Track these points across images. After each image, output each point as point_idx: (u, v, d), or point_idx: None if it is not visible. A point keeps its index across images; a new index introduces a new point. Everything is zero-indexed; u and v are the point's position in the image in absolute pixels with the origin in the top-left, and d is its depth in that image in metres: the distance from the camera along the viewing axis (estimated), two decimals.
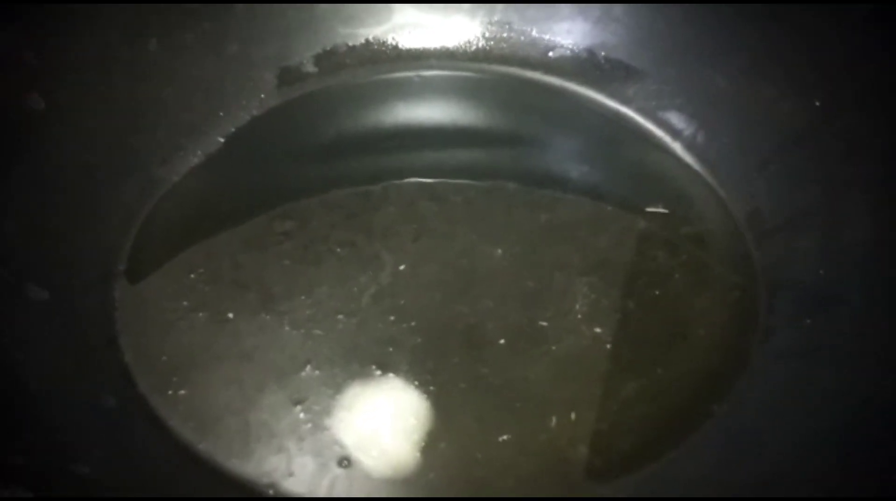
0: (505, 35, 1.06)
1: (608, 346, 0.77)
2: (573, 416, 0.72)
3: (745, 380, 0.75)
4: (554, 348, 0.77)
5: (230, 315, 0.78)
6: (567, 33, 1.04)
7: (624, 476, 0.69)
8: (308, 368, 0.74)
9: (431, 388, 0.73)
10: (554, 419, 0.72)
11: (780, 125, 0.89)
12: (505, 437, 0.71)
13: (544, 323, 0.79)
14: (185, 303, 0.79)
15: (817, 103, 0.86)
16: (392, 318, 0.78)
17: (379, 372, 0.74)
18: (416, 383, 0.73)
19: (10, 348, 0.67)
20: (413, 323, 0.78)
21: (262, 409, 0.72)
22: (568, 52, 1.04)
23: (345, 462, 0.69)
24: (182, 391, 0.73)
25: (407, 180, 0.91)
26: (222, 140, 0.94)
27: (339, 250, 0.84)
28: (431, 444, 0.70)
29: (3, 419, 0.62)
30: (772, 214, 0.87)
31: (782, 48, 0.89)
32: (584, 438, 0.71)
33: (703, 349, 0.78)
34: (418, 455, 0.69)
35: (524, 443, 0.70)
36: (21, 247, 0.74)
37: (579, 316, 0.79)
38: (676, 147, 0.96)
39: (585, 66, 1.03)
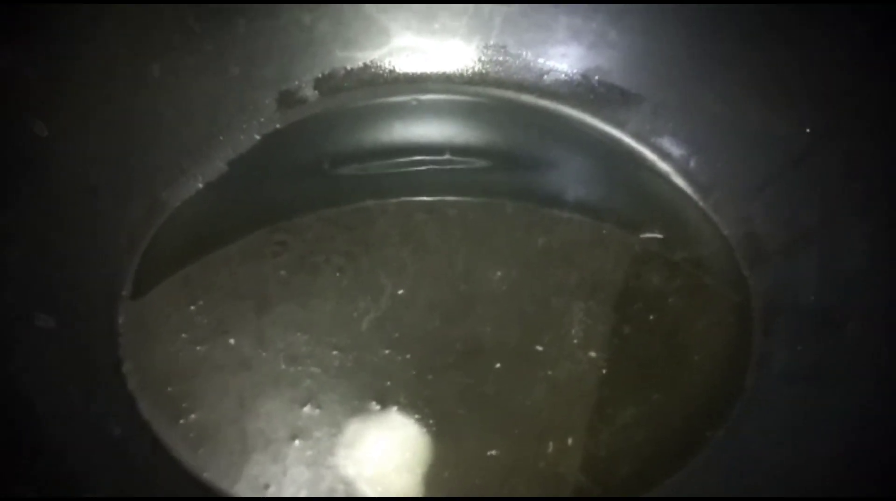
0: (500, 59, 1.08)
1: (604, 371, 0.78)
2: (570, 441, 0.73)
3: (742, 405, 0.76)
4: (550, 372, 0.78)
5: (231, 341, 0.79)
6: (562, 57, 1.06)
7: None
8: (308, 407, 0.75)
9: (430, 420, 0.74)
10: (551, 445, 0.73)
11: (776, 149, 0.90)
12: (504, 463, 0.72)
13: (540, 348, 0.80)
14: (189, 329, 0.79)
15: (811, 128, 0.87)
16: (389, 346, 0.79)
17: (378, 407, 0.75)
18: (416, 414, 0.74)
19: (19, 377, 0.67)
20: (409, 352, 0.78)
21: (267, 440, 0.72)
22: (563, 76, 1.06)
23: (342, 490, 0.70)
24: (187, 420, 0.73)
25: (404, 203, 0.92)
26: (223, 163, 0.94)
27: (338, 274, 0.85)
28: (432, 473, 0.71)
29: (12, 449, 0.62)
30: (768, 238, 0.88)
31: (777, 72, 0.91)
32: (583, 465, 0.72)
33: (700, 374, 0.79)
34: (420, 485, 0.70)
35: (523, 470, 0.71)
36: (27, 274, 0.75)
37: (575, 340, 0.81)
38: (671, 171, 0.97)
39: (580, 90, 1.04)
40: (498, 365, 0.78)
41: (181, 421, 0.73)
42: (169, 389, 0.75)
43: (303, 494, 0.69)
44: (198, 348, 0.78)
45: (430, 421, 0.73)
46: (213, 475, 0.70)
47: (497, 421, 0.75)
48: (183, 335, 0.79)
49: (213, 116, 0.96)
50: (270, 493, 0.69)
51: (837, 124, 0.85)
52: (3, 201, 0.76)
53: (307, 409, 0.74)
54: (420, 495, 0.69)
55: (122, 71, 0.89)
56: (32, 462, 0.62)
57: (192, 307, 0.81)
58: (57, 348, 0.73)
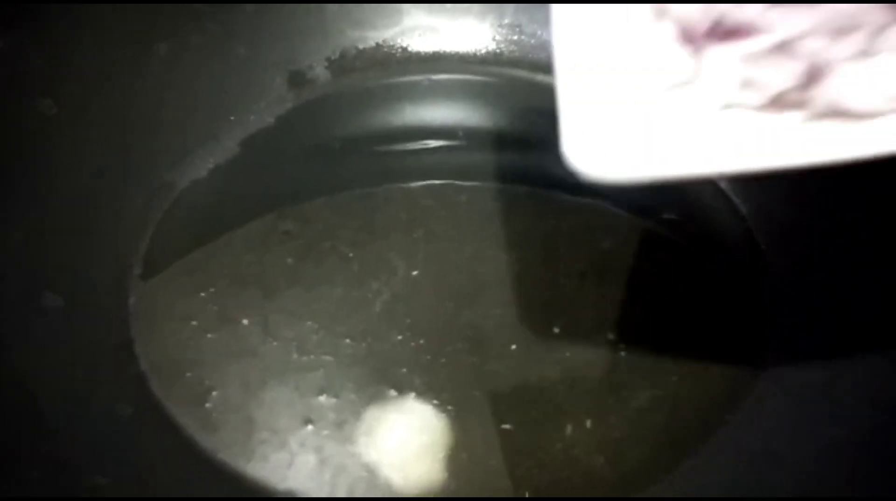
0: (515, 38, 1.06)
1: (622, 353, 0.77)
2: (588, 424, 0.72)
3: (760, 387, 0.75)
4: (567, 354, 0.77)
5: (245, 321, 0.78)
6: None
7: (642, 485, 0.69)
8: (324, 396, 0.73)
9: (448, 406, 0.73)
10: (569, 428, 0.72)
11: None
12: (522, 446, 0.71)
13: (557, 330, 0.79)
14: (199, 307, 0.78)
15: None
16: (401, 331, 0.78)
17: (395, 393, 0.74)
18: (433, 400, 0.73)
19: (27, 358, 0.67)
20: (423, 337, 0.77)
21: (282, 417, 0.72)
22: None
23: (365, 478, 0.69)
24: (200, 400, 0.72)
25: (416, 184, 0.91)
26: (232, 144, 0.93)
27: (350, 254, 0.84)
28: (451, 457, 0.70)
29: (19, 432, 0.61)
30: (784, 219, 0.86)
31: None
32: (601, 447, 0.71)
33: (717, 356, 0.77)
34: (440, 468, 0.69)
35: (541, 453, 0.70)
36: (35, 254, 0.74)
37: (591, 323, 0.79)
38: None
39: None
40: (513, 347, 0.77)
41: (194, 401, 0.72)
42: (181, 369, 0.74)
43: (325, 479, 0.69)
44: (209, 327, 0.77)
45: (448, 407, 0.72)
46: (226, 455, 0.69)
47: (514, 404, 0.73)
48: (194, 317, 0.78)
49: (221, 98, 0.95)
50: (288, 476, 0.68)
51: None
52: (10, 182, 0.76)
53: (322, 398, 0.73)
54: (441, 478, 0.69)
55: (129, 51, 0.88)
56: (41, 442, 0.62)
57: (203, 288, 0.80)
58: (65, 328, 0.72)
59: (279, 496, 0.67)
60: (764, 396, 0.74)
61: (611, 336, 0.78)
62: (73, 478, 0.60)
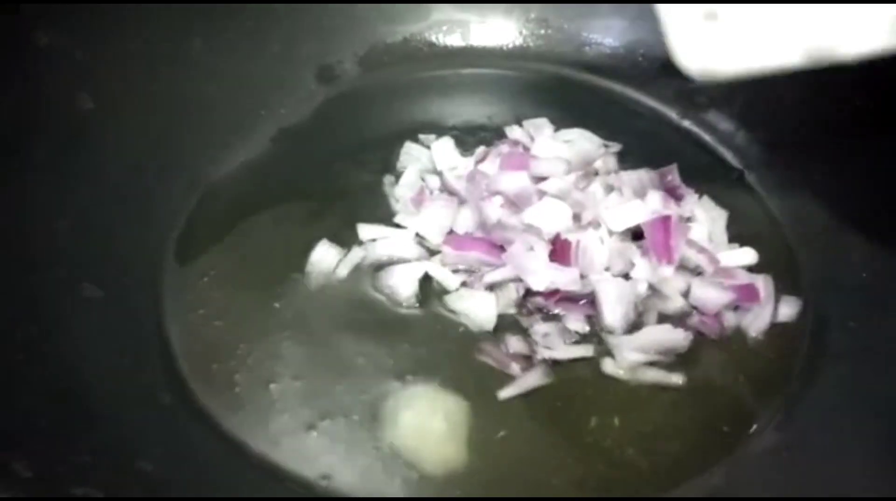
0: (542, 32, 1.06)
1: None
2: (616, 421, 0.73)
3: (794, 383, 0.75)
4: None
5: (276, 305, 0.79)
6: (605, 30, 1.04)
7: (672, 480, 0.70)
8: (346, 382, 0.74)
9: (472, 395, 0.73)
10: (594, 420, 0.73)
11: (824, 125, 0.88)
12: (553, 438, 0.71)
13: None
14: (230, 296, 0.80)
15: (859, 102, 0.85)
16: (431, 319, 0.78)
17: (420, 382, 0.74)
18: (456, 389, 0.74)
19: (72, 348, 0.68)
20: (445, 326, 0.78)
21: (313, 408, 0.73)
22: (606, 49, 1.04)
23: (399, 461, 0.70)
24: (231, 388, 0.73)
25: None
26: (263, 138, 0.95)
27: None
28: (484, 444, 0.71)
29: (70, 419, 0.63)
30: (816, 216, 0.86)
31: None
32: (630, 439, 0.71)
33: (753, 351, 0.78)
34: (466, 457, 0.70)
35: (571, 444, 0.71)
36: (75, 246, 0.76)
37: None
38: (716, 146, 0.96)
39: (623, 64, 1.03)
40: None
41: (227, 390, 0.73)
42: (213, 357, 0.75)
43: (350, 464, 0.70)
44: (239, 316, 0.78)
45: (472, 396, 0.73)
46: (259, 443, 0.70)
47: (542, 396, 0.74)
48: (224, 306, 0.79)
49: (253, 92, 0.96)
50: (320, 464, 0.70)
51: (886, 104, 0.83)
52: (53, 176, 0.77)
53: (344, 384, 0.74)
54: (468, 464, 0.70)
55: (166, 47, 0.89)
56: (91, 429, 0.63)
57: (234, 275, 0.81)
58: (104, 318, 0.74)
59: (312, 483, 0.69)
60: (799, 390, 0.75)
61: None
62: (123, 463, 0.61)
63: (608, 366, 0.75)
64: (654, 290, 0.78)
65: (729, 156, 0.95)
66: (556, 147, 0.83)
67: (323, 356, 0.76)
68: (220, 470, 0.67)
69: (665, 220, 0.78)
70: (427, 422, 0.72)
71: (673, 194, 0.83)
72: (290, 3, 0.97)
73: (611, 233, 0.78)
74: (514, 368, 0.74)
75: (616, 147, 0.91)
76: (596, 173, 0.86)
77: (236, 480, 0.67)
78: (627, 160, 0.90)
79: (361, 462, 0.69)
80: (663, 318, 0.78)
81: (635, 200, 0.80)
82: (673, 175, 0.86)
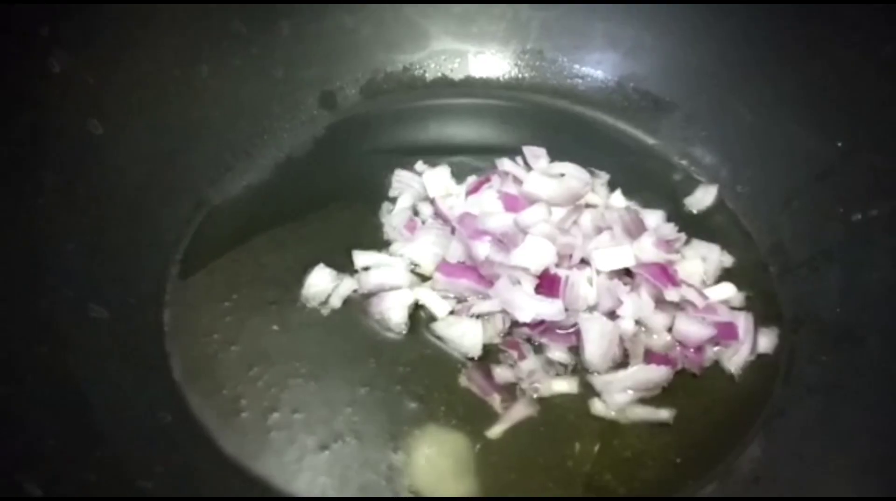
0: (537, 64, 1.10)
1: None
2: (596, 448, 0.76)
3: (768, 413, 0.79)
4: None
5: (275, 327, 0.82)
6: (597, 64, 1.08)
7: None
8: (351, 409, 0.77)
9: (466, 424, 0.76)
10: (577, 446, 0.75)
11: (805, 162, 0.92)
12: (535, 463, 0.74)
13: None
14: (229, 319, 0.83)
15: (842, 142, 0.89)
16: (425, 344, 0.82)
17: (416, 405, 0.78)
18: (453, 420, 0.77)
19: (77, 368, 0.71)
20: (440, 352, 0.81)
21: (314, 432, 0.76)
22: (598, 82, 1.08)
23: (390, 482, 0.73)
24: (231, 410, 0.76)
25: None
26: (266, 162, 0.98)
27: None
28: (472, 467, 0.74)
29: (76, 437, 0.66)
30: (794, 249, 0.90)
31: (810, 85, 0.92)
32: (609, 465, 0.74)
33: (728, 382, 0.81)
34: (461, 479, 0.73)
35: (553, 469, 0.74)
36: (82, 266, 0.79)
37: None
38: (702, 179, 0.99)
39: (614, 96, 1.07)
40: None
41: (227, 412, 0.76)
42: (214, 379, 0.78)
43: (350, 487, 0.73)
44: (239, 338, 0.81)
45: (465, 426, 0.76)
46: (263, 468, 0.73)
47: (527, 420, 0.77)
48: (225, 328, 0.82)
49: (258, 117, 1.00)
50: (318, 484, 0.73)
51: (864, 140, 0.87)
52: (62, 199, 0.80)
53: (350, 410, 0.77)
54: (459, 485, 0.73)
55: (174, 72, 0.92)
56: (94, 447, 0.66)
57: (233, 298, 0.84)
58: (109, 338, 0.77)
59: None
60: (772, 421, 0.78)
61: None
62: (124, 481, 0.64)
63: (597, 407, 0.78)
64: (641, 326, 0.82)
65: (714, 189, 0.98)
66: (547, 182, 0.85)
67: (321, 383, 0.78)
68: (218, 489, 0.70)
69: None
70: (438, 464, 0.74)
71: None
72: (295, 23, 1.01)
73: (599, 272, 0.81)
74: (496, 400, 0.77)
75: (605, 177, 0.94)
76: (586, 206, 0.89)
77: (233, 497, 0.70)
78: (615, 192, 0.94)
79: (362, 485, 0.72)
80: (648, 353, 0.80)
81: (625, 241, 0.83)
82: (661, 222, 0.90)
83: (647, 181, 0.98)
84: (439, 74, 1.10)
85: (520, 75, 1.10)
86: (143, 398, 0.74)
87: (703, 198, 0.97)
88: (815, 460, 0.73)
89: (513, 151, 0.96)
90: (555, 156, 0.96)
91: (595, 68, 1.09)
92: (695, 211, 0.96)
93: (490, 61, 1.10)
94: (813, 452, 0.74)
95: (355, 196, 0.95)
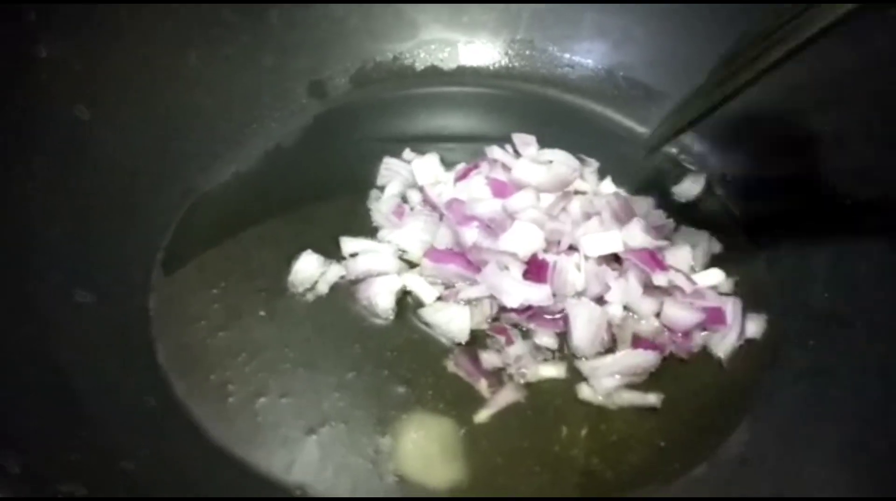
0: (527, 53, 1.10)
1: None
2: (584, 432, 0.76)
3: (756, 399, 0.79)
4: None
5: (262, 313, 0.82)
6: (587, 53, 1.08)
7: (635, 488, 0.73)
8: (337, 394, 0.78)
9: (452, 410, 0.77)
10: (564, 430, 0.76)
11: (794, 150, 0.92)
12: (523, 447, 0.75)
13: None
14: (216, 305, 0.83)
15: (828, 128, 0.89)
16: (412, 330, 0.82)
17: (405, 393, 0.78)
18: (440, 404, 0.77)
19: (62, 351, 0.71)
20: (427, 339, 0.81)
21: (301, 416, 0.76)
22: (588, 71, 1.08)
23: (377, 465, 0.73)
24: (216, 395, 0.76)
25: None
26: (256, 150, 0.98)
27: None
28: (459, 452, 0.74)
29: (59, 419, 0.66)
30: (783, 235, 0.90)
31: (798, 75, 0.92)
32: (597, 451, 0.75)
33: (715, 367, 0.81)
34: (450, 467, 0.73)
35: (540, 453, 0.74)
36: (69, 252, 0.79)
37: None
38: (690, 166, 1.00)
39: (604, 85, 1.07)
40: None
41: (211, 396, 0.76)
42: (198, 363, 0.78)
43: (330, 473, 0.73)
44: (225, 324, 0.81)
45: (452, 411, 0.76)
46: (249, 451, 0.73)
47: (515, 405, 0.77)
48: (209, 314, 0.82)
49: (247, 106, 1.00)
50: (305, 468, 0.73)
51: (852, 128, 0.87)
52: (49, 182, 0.80)
53: (331, 398, 0.77)
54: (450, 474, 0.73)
55: (163, 60, 0.92)
56: (79, 429, 0.66)
57: (220, 285, 0.84)
58: (95, 323, 0.77)
59: (289, 488, 0.72)
60: (759, 407, 0.78)
61: None
62: (108, 462, 0.64)
63: (585, 392, 0.78)
64: (628, 311, 0.82)
65: (703, 177, 0.98)
66: (536, 169, 0.86)
67: (309, 369, 0.79)
68: (199, 470, 0.70)
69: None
70: (425, 449, 0.74)
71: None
72: (285, 11, 1.01)
73: (587, 258, 0.81)
74: (483, 384, 0.77)
75: (595, 164, 0.95)
76: (575, 192, 0.89)
77: (214, 479, 0.70)
78: (605, 180, 0.94)
79: (348, 468, 0.73)
80: (636, 339, 0.80)
81: (613, 227, 0.83)
82: (650, 209, 0.90)
83: (637, 169, 0.98)
84: (429, 64, 1.09)
85: (510, 64, 1.10)
86: (128, 382, 0.74)
87: (691, 188, 0.97)
88: (802, 442, 0.73)
89: (503, 140, 0.96)
90: (545, 144, 0.95)
91: (585, 57, 1.09)
92: (683, 200, 0.96)
93: (480, 51, 1.10)
94: (800, 435, 0.74)
95: (344, 185, 0.95)
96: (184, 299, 0.83)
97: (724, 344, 0.81)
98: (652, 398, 0.77)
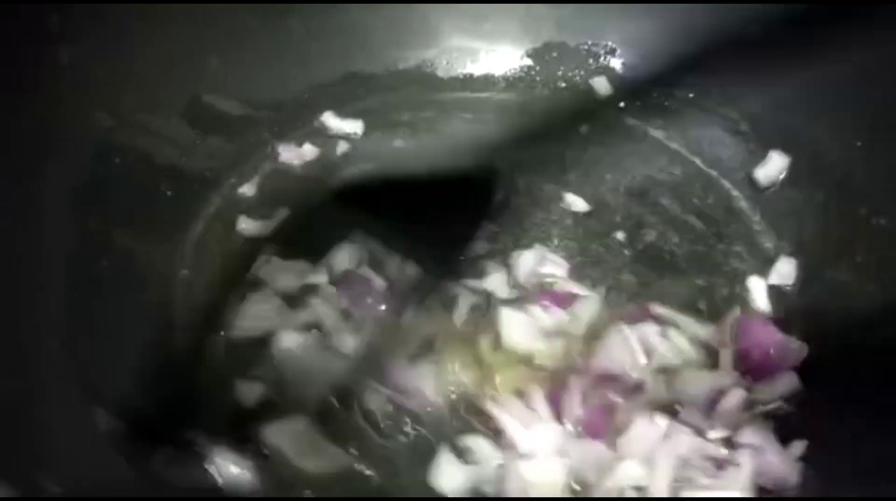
0: (547, 59, 1.09)
1: None
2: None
3: None
4: None
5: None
6: (614, 60, 1.07)
7: None
8: None
9: None
10: None
11: (821, 155, 0.92)
12: None
13: None
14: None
15: (859, 143, 0.88)
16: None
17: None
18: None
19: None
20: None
21: None
22: (612, 79, 1.07)
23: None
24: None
25: None
26: (280, 156, 0.97)
27: None
28: None
29: None
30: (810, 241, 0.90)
31: (823, 84, 0.91)
32: None
33: None
34: None
35: None
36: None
37: None
38: (714, 174, 0.99)
39: (629, 94, 1.05)
40: None
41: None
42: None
43: None
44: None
45: None
46: None
47: None
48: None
49: (270, 111, 0.99)
50: None
51: (882, 137, 0.86)
52: (68, 191, 0.78)
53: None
54: None
55: (183, 64, 0.91)
56: None
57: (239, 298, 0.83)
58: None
59: None
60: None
61: None
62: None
63: None
64: None
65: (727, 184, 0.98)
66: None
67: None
68: None
69: None
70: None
71: None
72: (306, 18, 1.00)
73: None
74: None
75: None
76: None
77: None
78: (635, 192, 0.96)
79: None
80: None
81: None
82: None
83: (657, 176, 0.98)
84: (452, 71, 1.09)
85: (532, 72, 1.09)
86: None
87: None
88: None
89: (528, 146, 0.96)
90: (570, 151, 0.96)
91: (612, 65, 1.08)
92: None
93: (502, 58, 1.09)
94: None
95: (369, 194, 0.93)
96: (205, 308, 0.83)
97: None
98: None
